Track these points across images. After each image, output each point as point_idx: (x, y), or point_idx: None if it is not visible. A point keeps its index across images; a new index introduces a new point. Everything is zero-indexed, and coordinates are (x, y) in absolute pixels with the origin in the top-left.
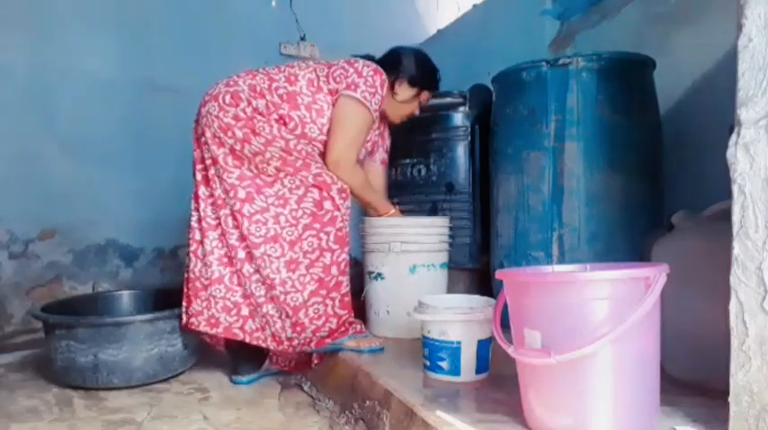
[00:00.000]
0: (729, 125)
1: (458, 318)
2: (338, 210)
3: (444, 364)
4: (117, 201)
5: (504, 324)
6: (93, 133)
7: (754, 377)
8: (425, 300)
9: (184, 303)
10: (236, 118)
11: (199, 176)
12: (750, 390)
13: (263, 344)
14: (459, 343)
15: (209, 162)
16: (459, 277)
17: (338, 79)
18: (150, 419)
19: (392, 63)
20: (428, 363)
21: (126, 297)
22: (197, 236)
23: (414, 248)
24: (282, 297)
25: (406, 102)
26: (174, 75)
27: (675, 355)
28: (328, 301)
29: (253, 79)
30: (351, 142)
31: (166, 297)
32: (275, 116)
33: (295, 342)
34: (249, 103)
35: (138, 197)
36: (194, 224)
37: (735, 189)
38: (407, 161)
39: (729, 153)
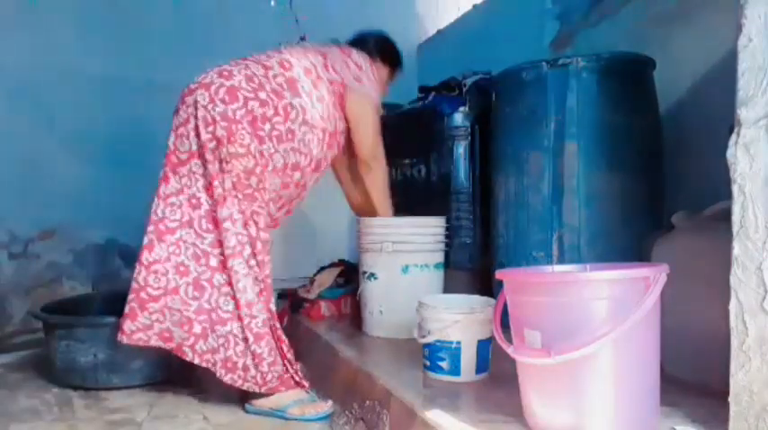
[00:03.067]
0: (729, 125)
1: (458, 318)
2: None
3: (444, 364)
4: (117, 201)
5: (504, 324)
6: (92, 133)
7: (754, 377)
8: (425, 300)
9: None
10: (222, 115)
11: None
12: (750, 390)
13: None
14: (459, 343)
15: (184, 156)
16: (459, 277)
17: (338, 71)
18: (150, 419)
19: (361, 44)
20: (428, 363)
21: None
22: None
23: (405, 248)
24: (247, 320)
25: (383, 81)
26: (174, 75)
27: (675, 355)
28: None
29: (246, 69)
30: (377, 136)
31: None
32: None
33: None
34: (245, 104)
35: (138, 197)
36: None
37: (735, 189)
38: (407, 161)
39: (729, 153)
